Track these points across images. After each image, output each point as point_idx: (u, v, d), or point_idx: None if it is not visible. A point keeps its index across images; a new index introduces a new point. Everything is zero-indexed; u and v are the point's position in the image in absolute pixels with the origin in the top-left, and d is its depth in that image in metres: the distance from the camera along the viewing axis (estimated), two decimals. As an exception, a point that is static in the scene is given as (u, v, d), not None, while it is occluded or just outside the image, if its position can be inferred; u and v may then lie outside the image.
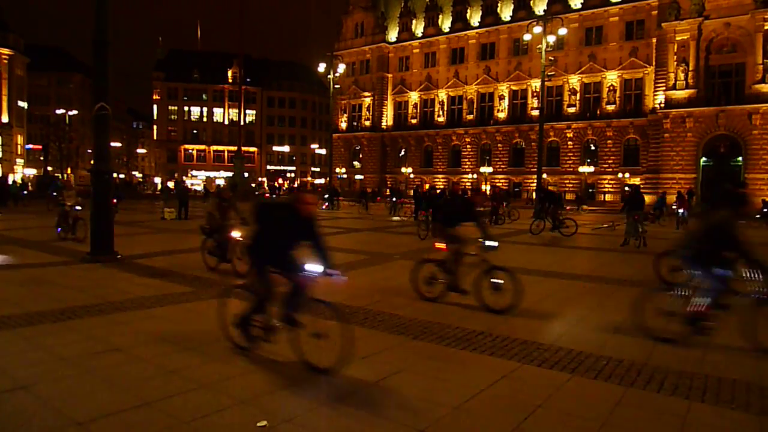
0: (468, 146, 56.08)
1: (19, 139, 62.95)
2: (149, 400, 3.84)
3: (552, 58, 41.87)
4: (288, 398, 3.98)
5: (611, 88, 47.14)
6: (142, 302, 6.87)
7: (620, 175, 46.37)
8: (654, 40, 44.12)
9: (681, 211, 21.54)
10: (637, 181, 43.67)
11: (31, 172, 62.21)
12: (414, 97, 59.97)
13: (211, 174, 78.92)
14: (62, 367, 4.52)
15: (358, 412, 3.77)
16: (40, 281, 8.18)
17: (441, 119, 57.79)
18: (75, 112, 62.36)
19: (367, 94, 62.70)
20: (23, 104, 63.96)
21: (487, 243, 7.10)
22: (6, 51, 59.15)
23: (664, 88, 42.52)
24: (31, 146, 65.81)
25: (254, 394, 3.99)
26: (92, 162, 11.06)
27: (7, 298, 7.03)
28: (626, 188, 42.24)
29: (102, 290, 7.61)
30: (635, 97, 46.43)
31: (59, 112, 58.31)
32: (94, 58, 10.41)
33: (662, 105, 42.51)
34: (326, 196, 37.28)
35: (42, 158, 58.12)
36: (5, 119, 58.54)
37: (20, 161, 62.34)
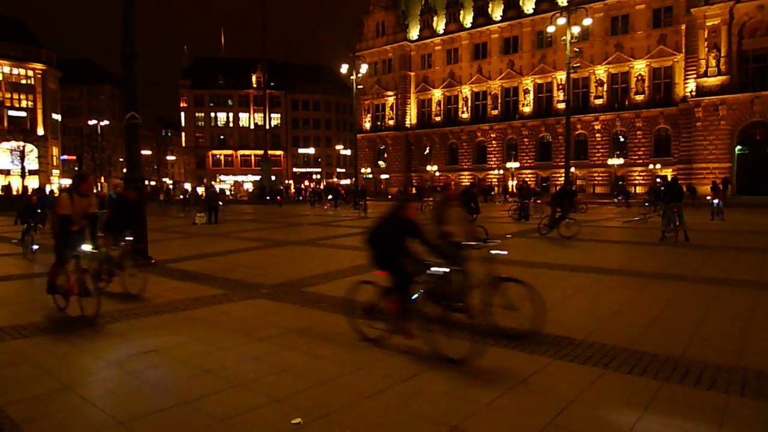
0: (493, 142, 55.61)
1: (55, 151, 65.10)
2: (187, 399, 3.94)
3: (577, 50, 41.19)
4: (342, 390, 4.04)
5: (639, 77, 46.11)
6: (176, 305, 7.05)
7: (651, 166, 45.32)
8: (683, 26, 42.99)
9: (716, 201, 20.89)
10: (669, 172, 42.65)
11: (67, 182, 64.12)
12: (437, 94, 59.75)
13: (239, 178, 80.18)
14: (103, 368, 4.68)
15: (390, 408, 3.80)
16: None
17: (465, 116, 57.45)
18: (106, 122, 64.10)
19: (390, 93, 62.74)
20: (57, 117, 66.12)
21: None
22: (39, 66, 61.24)
23: (695, 75, 41.38)
24: (66, 157, 67.93)
25: (289, 393, 4.07)
26: (124, 170, 11.38)
27: (49, 305, 7.29)
28: (657, 179, 41.27)
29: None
30: (665, 86, 45.32)
31: (91, 122, 60.05)
32: (123, 70, 10.71)
33: (693, 93, 41.38)
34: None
35: (76, 168, 59.92)
36: (41, 132, 60.61)
37: (56, 172, 64.46)
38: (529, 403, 3.86)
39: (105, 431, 3.47)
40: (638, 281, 8.44)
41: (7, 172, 56.42)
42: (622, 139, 47.85)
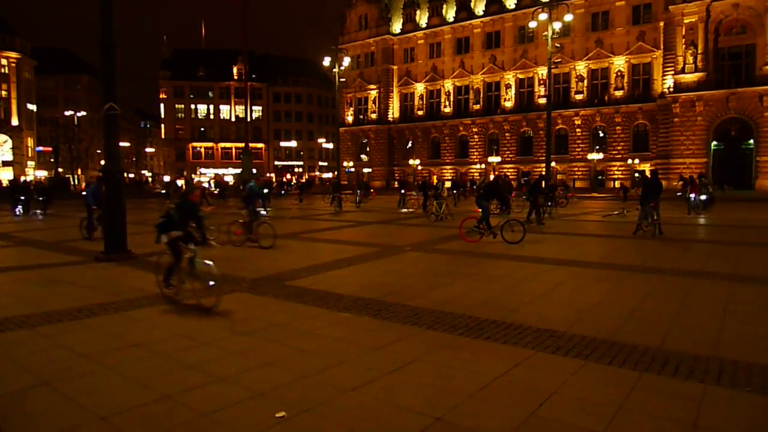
0: (475, 136, 55.90)
1: (30, 142, 63.63)
2: (169, 394, 3.90)
3: (558, 45, 41.44)
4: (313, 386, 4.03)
5: (619, 73, 46.72)
6: (157, 299, 6.96)
7: (630, 161, 46.02)
8: (661, 23, 43.64)
9: (692, 196, 21.33)
10: (647, 167, 43.33)
11: (42, 173, 62.79)
12: (420, 88, 59.77)
13: (220, 171, 79.31)
14: (83, 363, 4.61)
15: (375, 400, 3.82)
16: (57, 281, 8.31)
17: (447, 110, 57.60)
18: (83, 113, 62.84)
19: (372, 86, 62.58)
20: (32, 107, 64.58)
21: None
22: (13, 54, 59.67)
23: (672, 72, 42.08)
24: (41, 148, 66.47)
25: (273, 386, 4.05)
26: (102, 162, 11.18)
27: (26, 297, 7.16)
28: (636, 174, 41.92)
29: (117, 288, 7.72)
30: (643, 81, 46.03)
31: (68, 113, 58.78)
32: (102, 60, 10.48)
33: (671, 89, 42.09)
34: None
35: (52, 160, 58.61)
36: (15, 122, 59.15)
37: (31, 163, 63.03)
38: (512, 394, 3.90)
39: (85, 427, 3.42)
40: (618, 274, 8.58)
41: (-21, 164, 55.01)
42: (601, 134, 48.49)
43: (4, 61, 59.44)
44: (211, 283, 6.35)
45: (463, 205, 27.59)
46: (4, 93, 59.42)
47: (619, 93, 46.79)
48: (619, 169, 47.17)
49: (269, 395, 3.89)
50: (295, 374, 4.31)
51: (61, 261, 10.33)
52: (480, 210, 12.87)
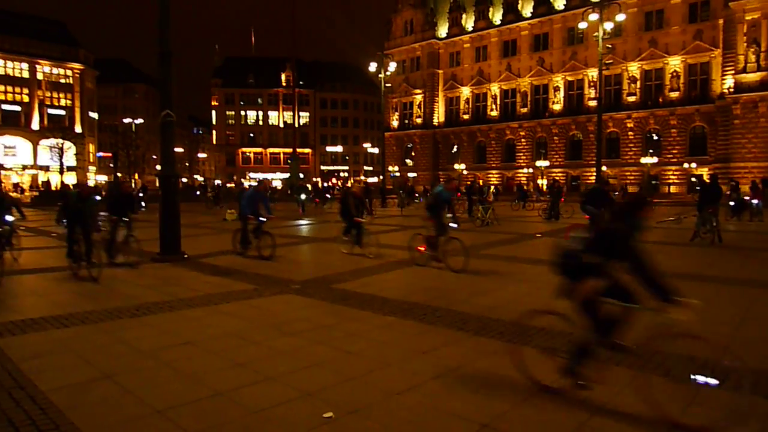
0: (522, 140, 55.00)
1: (91, 148, 67.04)
2: (221, 391, 4.03)
3: (609, 46, 40.41)
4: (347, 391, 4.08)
5: (674, 74, 44.96)
6: (209, 299, 7.19)
7: (686, 165, 44.16)
8: (721, 21, 41.73)
9: (755, 202, 20.24)
10: (704, 171, 41.47)
11: (103, 178, 65.96)
12: (465, 92, 59.38)
13: (268, 175, 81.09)
14: (141, 359, 4.82)
15: (421, 405, 3.82)
16: (117, 279, 8.71)
17: (494, 113, 56.96)
18: (140, 120, 65.63)
19: (417, 91, 62.62)
20: (94, 115, 68.06)
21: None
22: (77, 66, 63.10)
23: (733, 71, 40.14)
24: (101, 154, 69.87)
25: (320, 387, 4.12)
26: (158, 167, 11.65)
27: (87, 295, 7.54)
28: (692, 179, 40.16)
29: (172, 288, 8.03)
30: (701, 82, 44.11)
31: (126, 121, 61.54)
32: (160, 69, 10.96)
33: (731, 90, 40.14)
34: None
35: (112, 165, 61.53)
36: (78, 129, 62.47)
37: (92, 168, 66.37)
38: (561, 401, 3.82)
39: (144, 419, 3.58)
40: (672, 282, 8.22)
41: (46, 168, 58.34)
42: (655, 138, 46.76)
43: (69, 72, 62.91)
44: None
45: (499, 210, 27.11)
46: (68, 102, 62.88)
47: (674, 94, 45.01)
48: (675, 173, 45.32)
49: (317, 395, 3.96)
50: (342, 376, 4.37)
51: (121, 261, 10.81)
52: (588, 217, 11.56)
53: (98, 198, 14.44)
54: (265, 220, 11.34)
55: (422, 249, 9.91)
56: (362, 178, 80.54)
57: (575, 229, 7.23)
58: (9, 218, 10.35)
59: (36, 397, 3.90)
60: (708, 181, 14.16)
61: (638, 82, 46.96)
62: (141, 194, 29.50)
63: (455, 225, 9.69)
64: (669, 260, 10.28)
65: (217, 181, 70.56)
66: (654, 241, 14.59)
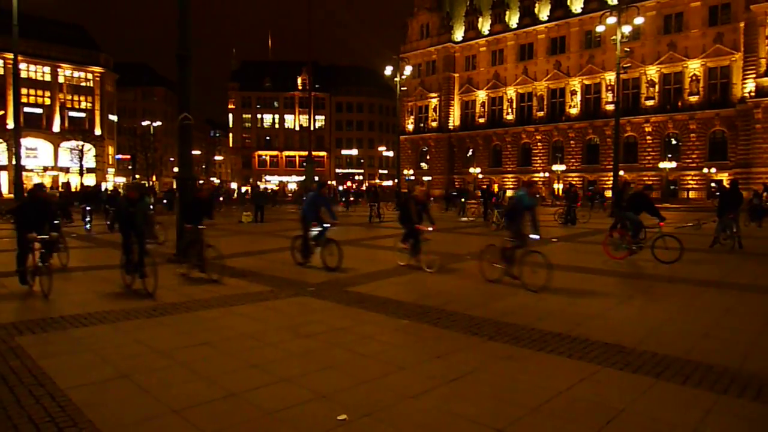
0: (539, 144, 54.63)
1: (110, 150, 68.06)
2: (235, 391, 4.06)
3: (627, 49, 39.95)
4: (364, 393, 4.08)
5: (694, 77, 44.34)
6: (225, 300, 7.25)
7: (706, 170, 43.47)
8: (742, 24, 41.08)
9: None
10: (724, 176, 40.79)
11: (121, 180, 66.87)
12: (481, 95, 59.18)
13: (284, 178, 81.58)
14: (157, 358, 4.87)
15: (435, 409, 3.80)
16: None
17: (510, 117, 56.67)
18: (159, 123, 66.50)
19: (433, 95, 62.56)
20: (113, 117, 69.11)
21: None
22: (98, 69, 64.14)
23: (754, 75, 39.47)
24: (120, 156, 70.91)
25: (335, 389, 4.12)
26: (176, 169, 11.77)
27: (106, 295, 7.64)
28: (712, 184, 39.52)
29: (188, 289, 8.10)
30: (721, 86, 43.43)
31: (145, 123, 62.38)
32: (178, 72, 11.10)
33: (753, 93, 39.46)
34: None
35: (130, 167, 62.33)
36: (98, 132, 63.44)
37: (111, 170, 67.33)
38: (577, 410, 3.78)
39: (160, 418, 3.61)
40: (693, 289, 8.11)
41: (66, 170, 59.30)
42: (674, 142, 46.12)
43: (89, 76, 63.96)
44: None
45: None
46: (89, 105, 63.91)
47: (693, 98, 44.37)
48: (694, 178, 44.63)
49: (331, 398, 3.96)
50: (356, 378, 4.37)
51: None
52: (627, 223, 11.21)
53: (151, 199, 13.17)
54: (329, 226, 10.36)
55: (495, 263, 8.63)
56: (377, 181, 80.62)
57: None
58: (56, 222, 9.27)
59: (55, 394, 3.97)
60: (728, 186, 13.91)
61: (657, 86, 46.38)
62: (221, 198, 28.84)
63: (537, 236, 8.25)
64: (688, 267, 10.12)
65: (233, 185, 71.09)
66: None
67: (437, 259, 9.96)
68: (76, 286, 8.51)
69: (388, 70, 37.31)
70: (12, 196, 33.10)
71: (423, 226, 10.07)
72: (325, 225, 10.32)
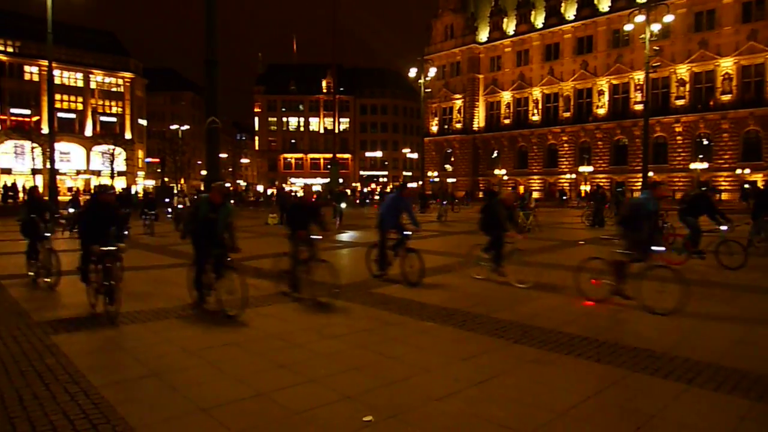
0: (565, 145, 53.89)
1: (140, 154, 69.68)
2: (263, 391, 4.11)
3: (657, 48, 39.15)
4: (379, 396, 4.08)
5: (726, 76, 43.18)
6: (252, 301, 7.32)
7: (739, 171, 42.26)
8: (777, 20, 39.86)
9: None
10: (759, 177, 39.61)
11: (151, 182, 68.33)
12: (506, 96, 58.69)
13: (309, 181, 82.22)
14: (186, 358, 4.97)
15: (460, 411, 3.79)
16: (163, 281, 9.00)
17: (536, 118, 56.06)
18: (187, 127, 67.77)
19: (457, 96, 62.29)
20: (143, 122, 70.75)
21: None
22: (128, 75, 65.79)
23: (790, 72, 38.23)
24: (150, 160, 72.48)
25: (361, 390, 4.14)
26: (204, 172, 11.97)
27: (137, 295, 7.81)
28: (745, 185, 38.39)
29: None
30: (755, 84, 42.19)
31: (173, 127, 63.68)
32: (206, 77, 11.26)
33: (789, 92, 38.23)
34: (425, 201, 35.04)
35: (159, 170, 63.68)
36: (128, 136, 65.04)
37: (141, 173, 68.90)
38: (606, 415, 3.72)
39: (189, 416, 3.69)
40: (726, 293, 7.91)
41: (98, 173, 60.90)
42: (705, 142, 44.98)
43: (120, 81, 65.64)
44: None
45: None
46: (119, 110, 65.59)
47: (726, 97, 43.21)
48: (726, 179, 43.43)
49: (357, 399, 3.98)
50: (382, 380, 4.39)
51: (167, 263, 11.19)
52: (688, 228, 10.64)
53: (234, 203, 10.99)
54: (410, 233, 9.06)
55: (597, 283, 7.24)
56: (399, 182, 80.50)
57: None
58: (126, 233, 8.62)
59: (89, 391, 4.08)
60: (763, 187, 13.46)
61: (687, 85, 45.32)
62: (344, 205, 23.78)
63: (661, 249, 6.95)
64: (721, 271, 9.86)
65: (260, 187, 71.93)
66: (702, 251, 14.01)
67: (530, 273, 8.61)
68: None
69: (413, 72, 37.35)
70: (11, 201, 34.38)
71: (511, 233, 8.84)
72: (405, 233, 9.01)
